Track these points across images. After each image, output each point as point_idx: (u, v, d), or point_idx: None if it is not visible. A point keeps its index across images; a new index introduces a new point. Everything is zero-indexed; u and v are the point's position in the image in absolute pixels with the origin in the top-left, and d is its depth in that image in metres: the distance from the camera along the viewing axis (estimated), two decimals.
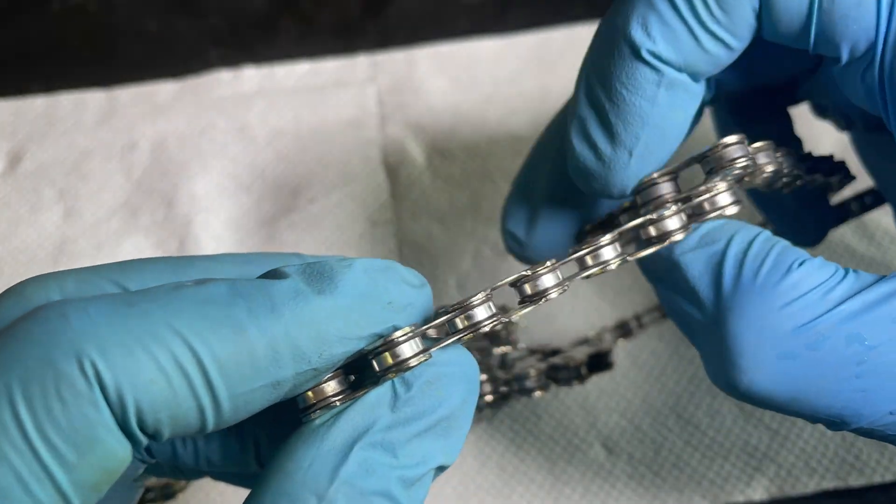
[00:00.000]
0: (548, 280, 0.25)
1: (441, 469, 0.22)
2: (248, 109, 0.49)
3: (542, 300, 0.24)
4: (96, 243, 0.46)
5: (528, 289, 0.24)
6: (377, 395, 0.21)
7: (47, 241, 0.47)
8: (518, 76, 0.51)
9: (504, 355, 0.37)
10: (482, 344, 0.37)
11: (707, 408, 0.40)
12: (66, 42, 0.53)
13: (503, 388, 0.36)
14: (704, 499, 0.38)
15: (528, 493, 0.39)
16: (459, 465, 0.39)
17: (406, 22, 0.53)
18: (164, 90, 0.50)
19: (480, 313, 0.23)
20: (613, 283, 0.44)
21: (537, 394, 0.36)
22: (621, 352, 0.42)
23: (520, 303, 0.25)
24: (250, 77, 0.51)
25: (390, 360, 0.22)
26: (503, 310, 0.25)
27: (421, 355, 0.22)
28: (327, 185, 0.47)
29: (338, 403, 0.22)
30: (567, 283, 0.25)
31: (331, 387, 0.22)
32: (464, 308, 0.23)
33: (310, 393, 0.22)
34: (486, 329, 0.23)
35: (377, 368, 0.22)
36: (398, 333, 0.22)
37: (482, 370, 0.36)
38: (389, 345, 0.22)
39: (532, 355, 0.38)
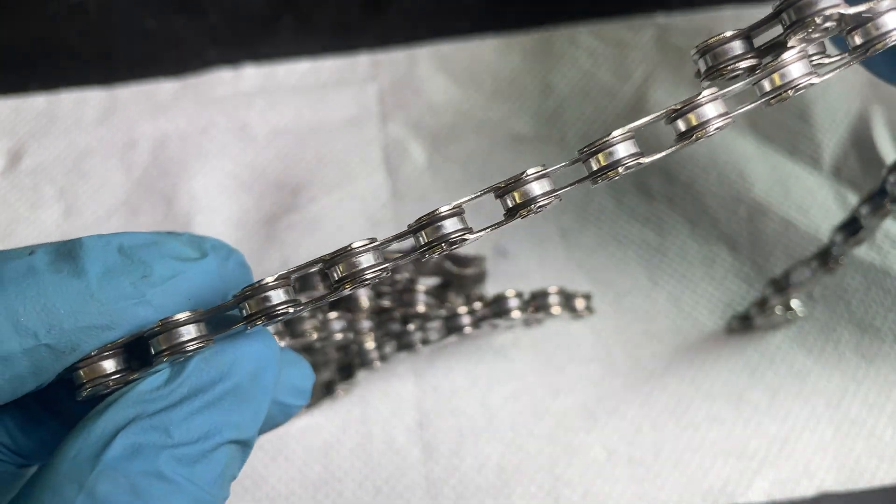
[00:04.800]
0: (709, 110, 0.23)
1: (242, 444, 0.21)
2: (249, 108, 0.49)
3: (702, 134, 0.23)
4: None
5: (681, 125, 0.23)
6: (149, 379, 0.21)
7: (47, 239, 0.46)
8: (519, 75, 0.51)
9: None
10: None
11: (707, 411, 0.40)
12: (66, 40, 0.53)
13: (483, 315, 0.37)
14: (704, 501, 0.38)
15: (528, 494, 0.39)
16: (458, 465, 0.39)
17: (406, 20, 0.53)
18: (164, 89, 0.50)
19: (276, 297, 0.21)
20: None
21: (515, 314, 0.36)
22: (621, 354, 0.42)
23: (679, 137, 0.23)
24: (250, 76, 0.50)
25: (163, 345, 0.21)
26: (305, 294, 0.24)
27: (198, 341, 0.21)
28: (328, 185, 0.47)
29: (111, 383, 0.21)
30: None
31: (107, 366, 0.21)
32: (256, 290, 0.21)
33: (81, 371, 0.21)
34: (279, 314, 0.21)
35: (152, 351, 0.21)
36: (179, 316, 0.21)
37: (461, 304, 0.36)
38: (166, 326, 0.21)
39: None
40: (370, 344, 0.38)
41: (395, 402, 0.41)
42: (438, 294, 0.38)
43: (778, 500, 0.38)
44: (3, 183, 0.48)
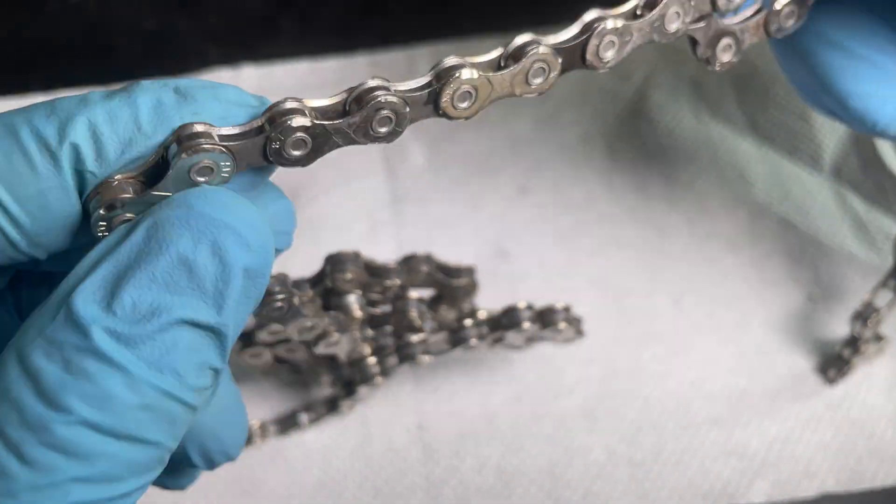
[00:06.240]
0: None
1: (207, 329, 0.19)
2: None
3: None
4: None
5: None
6: (104, 245, 0.20)
7: None
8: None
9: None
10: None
11: (707, 412, 0.40)
12: (66, 40, 0.53)
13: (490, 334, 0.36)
14: (705, 503, 0.38)
15: (528, 495, 0.39)
16: (458, 467, 0.39)
17: (406, 21, 0.53)
18: None
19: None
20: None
21: (526, 325, 0.36)
22: (621, 354, 0.42)
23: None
24: (249, 76, 0.50)
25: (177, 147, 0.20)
26: None
27: (210, 143, 0.20)
28: (328, 185, 0.47)
29: (119, 207, 0.20)
30: None
31: (121, 190, 0.21)
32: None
33: (101, 193, 0.20)
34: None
35: (169, 159, 0.21)
36: (198, 127, 0.20)
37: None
38: (183, 139, 0.20)
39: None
40: (371, 359, 0.37)
41: (394, 404, 0.41)
42: (431, 307, 0.38)
43: (778, 502, 0.38)
44: None
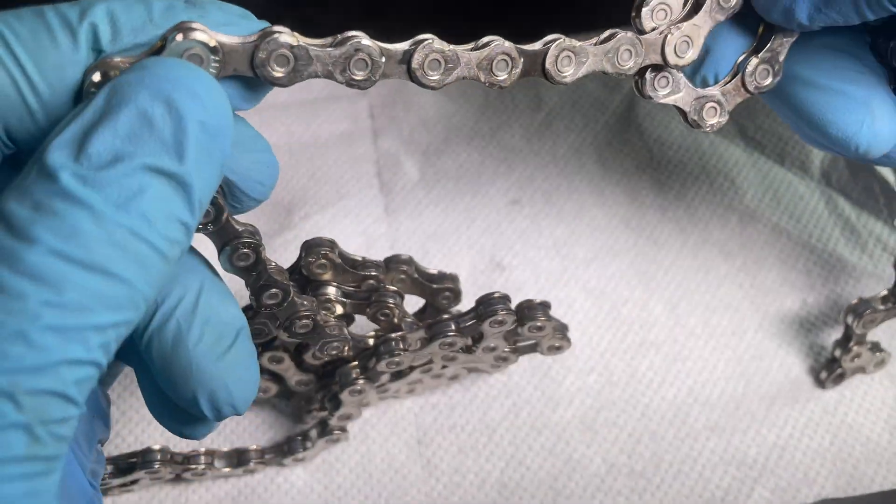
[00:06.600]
0: None
1: (171, 178, 0.21)
2: None
3: None
4: None
5: None
6: (74, 111, 0.21)
7: None
8: (509, 88, 0.51)
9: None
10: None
11: (706, 420, 0.41)
12: None
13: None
14: None
15: None
16: (460, 482, 0.39)
17: (403, 29, 0.53)
18: None
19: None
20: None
21: (502, 314, 0.35)
22: (619, 364, 0.42)
23: None
24: None
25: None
26: None
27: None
28: (321, 202, 0.47)
29: (112, 77, 0.22)
30: None
31: (118, 66, 0.22)
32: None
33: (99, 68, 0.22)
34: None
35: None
36: (198, 24, 0.22)
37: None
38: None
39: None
40: (352, 363, 0.37)
41: (393, 420, 0.41)
42: (417, 317, 0.37)
43: None
44: None
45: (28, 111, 0.22)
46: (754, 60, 0.29)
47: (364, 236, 0.46)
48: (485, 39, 0.27)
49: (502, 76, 0.27)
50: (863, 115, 0.30)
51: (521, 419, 0.41)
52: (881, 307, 0.38)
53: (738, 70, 0.30)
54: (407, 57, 0.26)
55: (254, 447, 0.40)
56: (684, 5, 0.28)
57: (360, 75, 0.25)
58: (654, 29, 0.28)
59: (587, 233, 0.46)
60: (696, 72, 0.30)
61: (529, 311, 0.35)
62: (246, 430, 0.41)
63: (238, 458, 0.39)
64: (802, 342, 0.43)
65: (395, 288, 0.36)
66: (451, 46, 0.26)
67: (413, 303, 0.38)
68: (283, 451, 0.39)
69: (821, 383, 0.41)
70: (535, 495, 0.39)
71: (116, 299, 0.20)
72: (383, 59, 0.25)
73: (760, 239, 0.46)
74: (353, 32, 0.25)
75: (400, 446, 0.40)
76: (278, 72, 0.24)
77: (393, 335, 0.35)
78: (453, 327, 0.35)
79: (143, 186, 0.20)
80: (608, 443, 0.40)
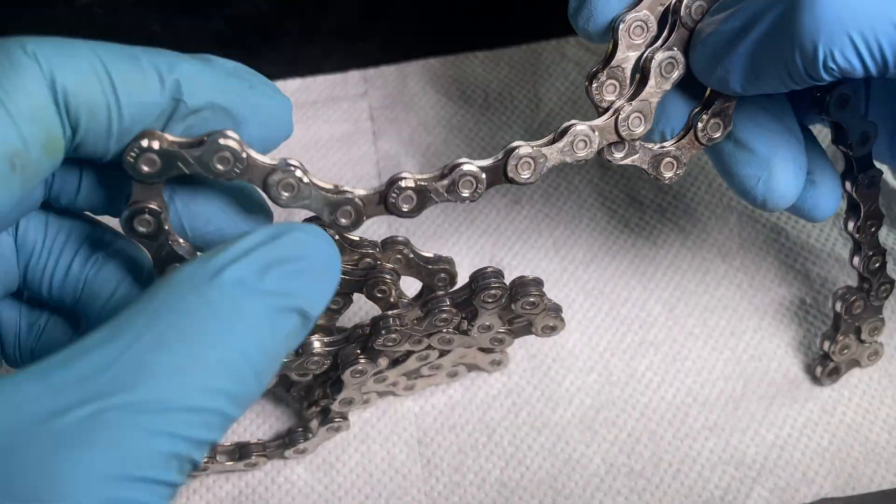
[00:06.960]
0: None
1: (304, 318, 0.24)
2: None
3: None
4: None
5: None
6: (249, 237, 0.24)
7: None
8: (508, 88, 0.51)
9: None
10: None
11: (705, 420, 0.41)
12: None
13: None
14: None
15: None
16: (460, 482, 0.39)
17: (403, 32, 0.54)
18: None
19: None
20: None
21: (495, 288, 0.35)
22: (618, 364, 0.42)
23: None
24: None
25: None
26: None
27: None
28: None
29: (156, 147, 0.26)
30: None
31: (167, 139, 0.26)
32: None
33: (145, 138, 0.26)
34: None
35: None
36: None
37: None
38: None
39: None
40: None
41: (393, 420, 0.41)
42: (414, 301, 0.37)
43: None
44: None
45: (107, 134, 0.25)
46: (705, 116, 0.32)
47: (364, 236, 0.46)
48: (454, 162, 0.30)
49: (466, 193, 0.30)
50: (760, 171, 0.33)
51: (521, 419, 0.41)
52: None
53: (692, 124, 0.32)
54: (383, 198, 0.29)
55: (255, 440, 0.40)
56: (632, 80, 0.30)
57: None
58: (607, 105, 0.31)
59: (587, 233, 0.46)
60: (653, 127, 0.32)
61: (522, 287, 0.35)
62: (248, 419, 0.41)
63: (240, 452, 0.39)
64: (801, 342, 0.43)
65: (392, 265, 0.36)
66: (422, 177, 0.30)
67: (411, 290, 0.37)
68: (284, 442, 0.40)
69: (817, 380, 0.41)
70: (534, 495, 0.39)
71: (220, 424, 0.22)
72: (363, 205, 0.29)
73: (759, 239, 0.46)
74: (347, 188, 0.29)
75: (400, 446, 0.41)
76: (283, 198, 0.28)
77: (390, 312, 0.35)
78: (448, 302, 0.35)
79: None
80: (607, 442, 0.40)
